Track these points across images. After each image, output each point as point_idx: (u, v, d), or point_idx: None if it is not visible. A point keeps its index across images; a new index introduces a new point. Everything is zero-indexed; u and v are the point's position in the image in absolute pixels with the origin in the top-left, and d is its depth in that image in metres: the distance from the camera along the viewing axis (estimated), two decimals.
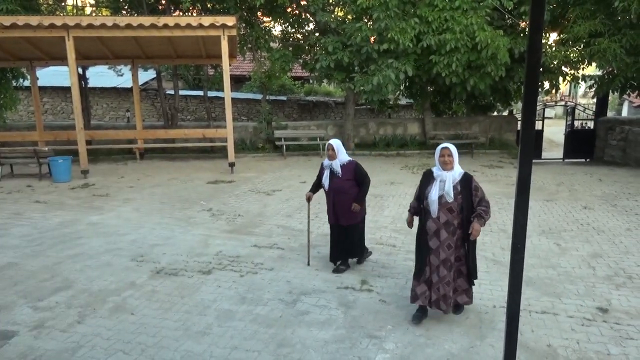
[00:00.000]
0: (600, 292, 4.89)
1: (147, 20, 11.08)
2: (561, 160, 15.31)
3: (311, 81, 21.93)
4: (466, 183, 4.02)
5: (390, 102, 17.59)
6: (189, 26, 11.05)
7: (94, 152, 14.16)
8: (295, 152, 15.34)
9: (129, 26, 10.92)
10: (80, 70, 15.93)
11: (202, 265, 5.67)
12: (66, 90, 18.97)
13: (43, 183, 11.10)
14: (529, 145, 2.50)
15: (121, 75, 19.17)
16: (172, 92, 17.86)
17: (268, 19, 16.11)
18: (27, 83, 16.99)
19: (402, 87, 16.06)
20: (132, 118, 19.50)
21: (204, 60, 15.58)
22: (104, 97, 21.28)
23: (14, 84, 17.16)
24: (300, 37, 16.28)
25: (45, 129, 15.26)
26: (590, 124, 16.63)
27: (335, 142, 5.29)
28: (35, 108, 15.07)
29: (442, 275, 4.09)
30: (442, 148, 4.05)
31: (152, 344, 3.93)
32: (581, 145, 15.36)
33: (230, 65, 12.36)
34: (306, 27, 16.14)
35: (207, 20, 11.10)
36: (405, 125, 16.72)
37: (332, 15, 14.32)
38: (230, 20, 11.18)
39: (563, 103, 22.09)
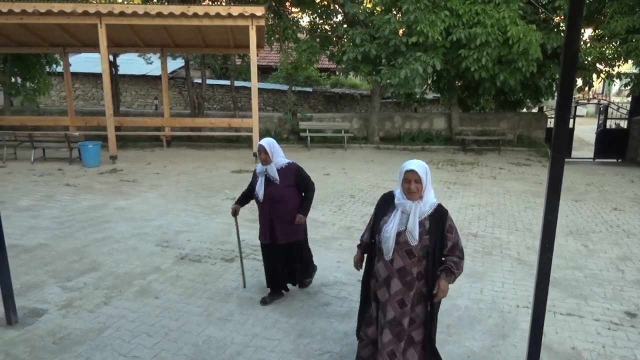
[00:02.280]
0: (629, 296, 4.77)
1: (177, 9, 11.19)
2: (591, 159, 14.93)
3: (337, 73, 21.83)
4: (439, 220, 2.89)
5: (417, 96, 17.39)
6: (218, 15, 11.13)
7: (123, 139, 14.42)
8: (319, 144, 15.33)
9: (159, 15, 11.06)
10: (111, 58, 16.23)
11: (225, 253, 5.74)
12: (97, 76, 19.33)
13: (73, 167, 11.39)
14: (562, 143, 2.44)
15: (150, 63, 19.45)
16: (199, 81, 18.04)
17: (296, 10, 16.09)
18: (59, 69, 17.42)
19: (429, 81, 15.87)
20: (160, 106, 19.80)
21: (231, 50, 15.67)
22: (133, 84, 21.64)
23: (47, 70, 17.63)
24: (328, 29, 16.20)
25: (76, 114, 15.60)
26: (623, 124, 16.14)
27: (268, 143, 4.26)
28: (67, 93, 15.41)
29: (386, 341, 2.94)
30: (407, 171, 2.85)
31: (175, 328, 4.02)
32: (613, 145, 14.94)
33: (257, 55, 12.41)
34: (334, 19, 16.05)
35: (236, 10, 11.15)
36: (431, 120, 16.52)
37: (361, 7, 14.19)
38: (259, 10, 11.21)
39: (596, 101, 21.47)
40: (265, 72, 22.20)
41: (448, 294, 4.64)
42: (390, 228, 2.89)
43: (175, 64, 21.03)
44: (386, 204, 3.06)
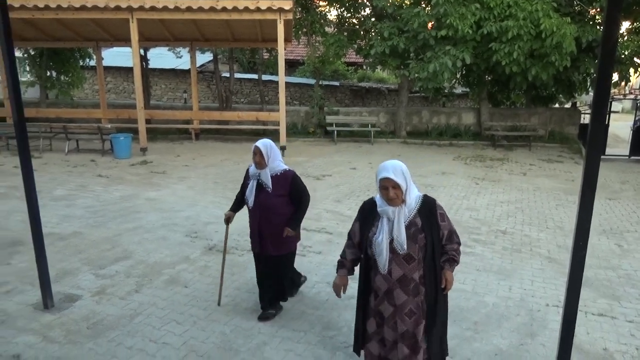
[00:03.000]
0: None
1: (206, 3, 11.31)
2: (627, 157, 14.45)
3: (365, 67, 21.71)
4: (429, 213, 2.72)
5: (446, 91, 17.17)
6: (246, 10, 11.21)
7: (152, 131, 14.71)
8: (346, 138, 15.31)
9: (189, 9, 11.21)
10: (142, 52, 16.54)
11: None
12: (128, 70, 19.76)
13: (105, 158, 11.68)
14: (598, 140, 2.38)
15: (180, 57, 19.75)
16: (227, 74, 18.24)
17: (324, 3, 16.04)
18: (92, 63, 17.87)
19: (458, 75, 15.63)
20: (189, 99, 20.10)
21: (259, 44, 15.77)
22: (163, 78, 22.02)
23: (81, 64, 18.11)
24: (356, 22, 16.11)
25: (108, 107, 16.00)
26: None
27: (265, 145, 3.82)
28: (99, 87, 15.81)
29: (401, 357, 2.76)
30: (382, 179, 2.64)
31: (203, 317, 4.10)
32: None
33: (285, 49, 12.45)
34: (362, 12, 15.96)
35: (264, 4, 11.20)
36: (460, 115, 16.28)
37: (389, 0, 14.05)
38: (287, 4, 11.24)
39: (632, 96, 20.75)
40: (292, 66, 22.26)
41: (476, 291, 4.65)
42: (381, 240, 2.68)
43: (204, 57, 21.30)
44: (369, 214, 2.82)
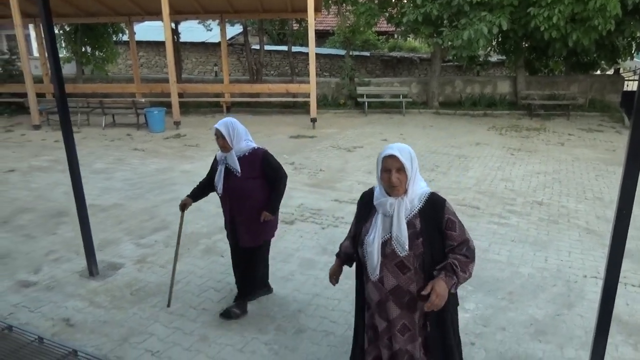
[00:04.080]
0: None
1: None
2: None
3: (396, 36, 21.20)
4: (433, 215, 2.22)
5: (480, 59, 16.61)
6: None
7: (185, 105, 14.89)
8: (377, 109, 15.12)
9: None
10: (173, 25, 16.61)
11: (286, 216, 5.88)
12: (160, 44, 19.90)
13: (140, 132, 11.94)
14: None
15: (210, 30, 19.74)
16: (257, 47, 18.14)
17: None
18: (125, 38, 18.08)
19: (494, 43, 15.08)
20: (219, 72, 20.18)
21: (289, 15, 15.57)
22: (194, 51, 22.12)
23: (114, 39, 18.36)
24: None
25: (141, 81, 16.23)
26: None
27: (226, 125, 3.41)
28: (132, 61, 16.04)
29: None
30: (386, 158, 2.20)
31: None
32: None
33: (314, 19, 12.27)
34: None
35: None
36: (495, 84, 15.79)
37: None
38: None
39: None
40: (322, 37, 21.94)
41: (510, 262, 4.60)
42: (372, 240, 2.22)
43: (233, 30, 21.22)
44: (367, 206, 2.38)
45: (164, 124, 12.08)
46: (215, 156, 3.65)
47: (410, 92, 15.78)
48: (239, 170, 3.43)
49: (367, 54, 20.74)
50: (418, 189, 2.24)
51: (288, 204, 6.31)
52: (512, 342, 3.39)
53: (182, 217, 3.93)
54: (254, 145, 3.51)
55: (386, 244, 2.20)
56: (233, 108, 15.53)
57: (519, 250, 4.88)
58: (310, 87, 12.16)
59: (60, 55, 17.74)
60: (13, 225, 5.76)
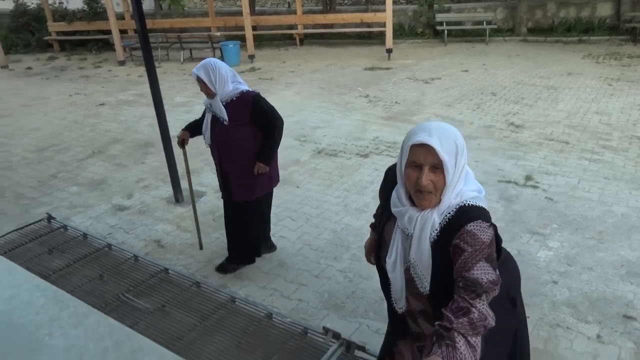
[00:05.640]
0: None
1: None
2: None
3: None
4: (449, 232, 1.49)
5: None
6: None
7: (258, 38, 14.83)
8: (458, 38, 14.18)
9: None
10: None
11: (360, 149, 5.84)
12: None
13: None
14: None
15: None
16: None
17: None
18: None
19: None
20: (292, 3, 19.73)
21: None
22: None
23: None
24: None
25: (215, 15, 16.29)
26: None
27: (205, 67, 3.03)
28: None
29: None
30: (414, 147, 1.51)
31: (315, 215, 4.30)
32: None
33: None
34: None
35: None
36: (594, 6, 14.11)
37: None
38: None
39: None
40: None
41: (602, 200, 4.28)
42: (393, 264, 1.63)
43: None
44: (391, 190, 1.66)
45: (239, 58, 12.17)
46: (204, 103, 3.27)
47: (495, 18, 14.56)
48: (226, 118, 3.09)
49: None
50: (456, 197, 1.50)
51: (363, 137, 6.24)
52: (600, 283, 3.21)
53: (185, 154, 3.70)
54: (244, 87, 3.13)
55: (408, 269, 1.62)
56: (306, 40, 15.26)
57: (613, 189, 4.52)
58: (386, 16, 11.56)
59: None
60: (107, 154, 6.21)
